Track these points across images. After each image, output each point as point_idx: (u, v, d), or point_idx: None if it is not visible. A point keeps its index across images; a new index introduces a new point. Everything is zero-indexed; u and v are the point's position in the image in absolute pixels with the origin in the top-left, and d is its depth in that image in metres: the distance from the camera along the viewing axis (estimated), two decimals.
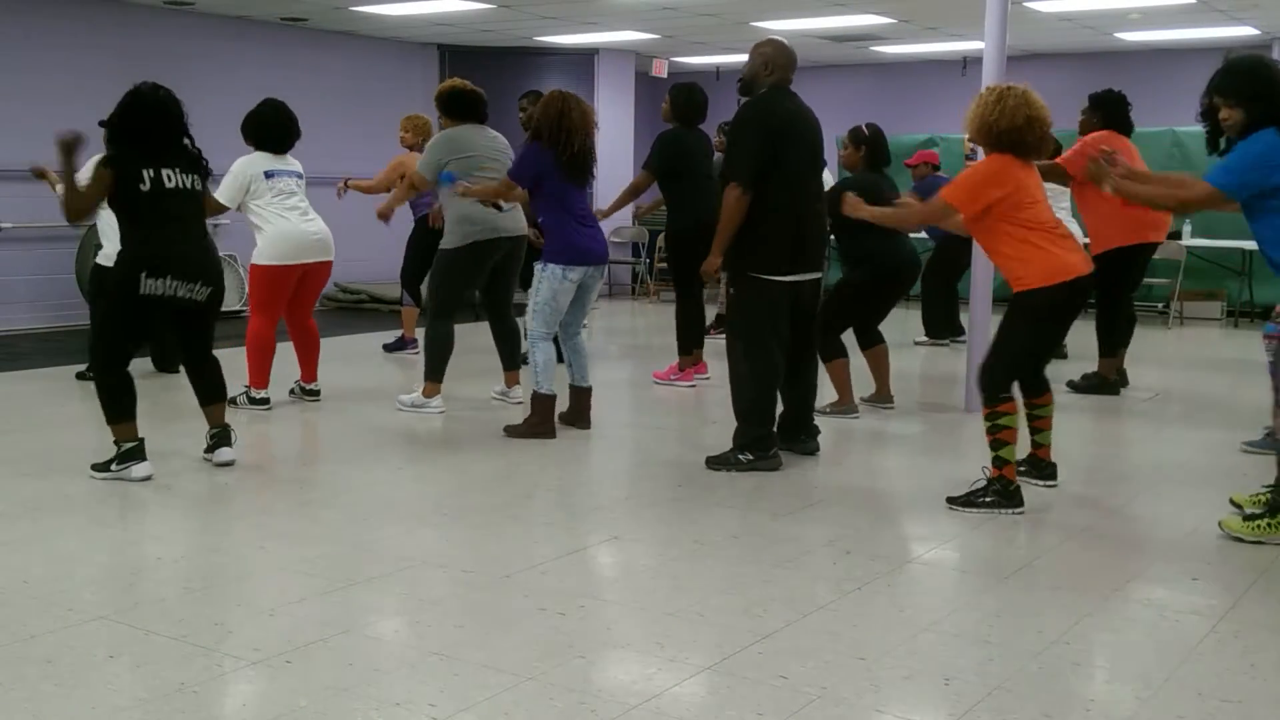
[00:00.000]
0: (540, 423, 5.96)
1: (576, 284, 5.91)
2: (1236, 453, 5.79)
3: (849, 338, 6.61)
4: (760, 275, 5.26)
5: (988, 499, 4.69)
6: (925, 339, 9.75)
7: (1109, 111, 7.48)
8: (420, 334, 8.68)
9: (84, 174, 7.14)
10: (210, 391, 5.33)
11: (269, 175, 6.49)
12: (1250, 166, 4.20)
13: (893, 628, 3.46)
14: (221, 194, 6.41)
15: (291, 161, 6.67)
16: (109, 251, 7.29)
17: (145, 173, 4.93)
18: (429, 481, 5.22)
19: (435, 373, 6.58)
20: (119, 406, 5.03)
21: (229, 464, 5.27)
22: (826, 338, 6.53)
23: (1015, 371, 4.75)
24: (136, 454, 5.02)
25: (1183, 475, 5.40)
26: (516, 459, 5.58)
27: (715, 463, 5.38)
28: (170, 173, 4.99)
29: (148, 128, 5.02)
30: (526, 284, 6.40)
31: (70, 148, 4.91)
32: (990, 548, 4.32)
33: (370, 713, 2.85)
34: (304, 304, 6.77)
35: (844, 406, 6.59)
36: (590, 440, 6.01)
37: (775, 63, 5.34)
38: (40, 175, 7.24)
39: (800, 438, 5.65)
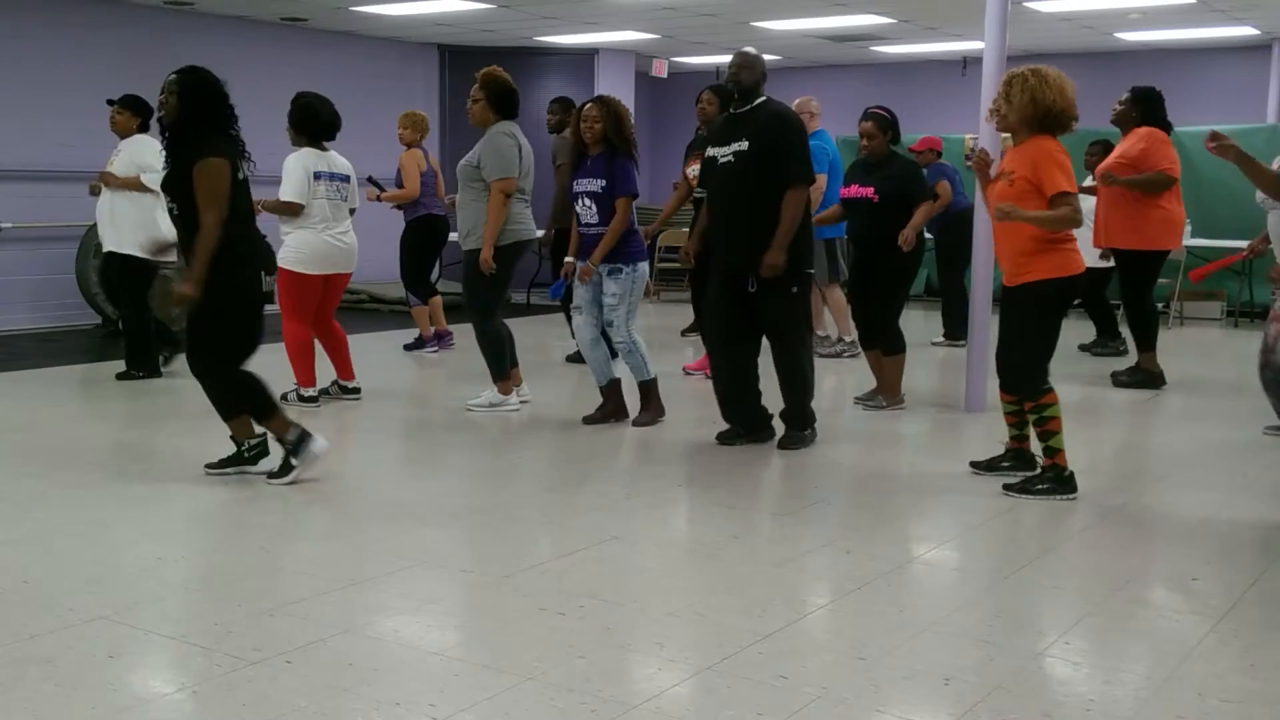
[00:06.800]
0: (653, 408, 6.33)
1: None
2: (1236, 453, 5.79)
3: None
4: (811, 271, 5.77)
5: (1043, 486, 4.85)
6: (943, 340, 9.66)
7: (1149, 108, 7.47)
8: (431, 330, 8.75)
9: (122, 164, 7.12)
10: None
11: (316, 177, 6.44)
12: None
13: (893, 628, 3.46)
14: (291, 194, 6.35)
15: (338, 161, 6.62)
16: (126, 239, 7.21)
17: (238, 162, 4.70)
18: (429, 481, 5.22)
19: (499, 371, 6.59)
20: (260, 401, 4.87)
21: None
22: (892, 329, 6.60)
23: (1043, 362, 4.85)
24: (305, 437, 4.88)
25: (1182, 475, 5.40)
26: (516, 459, 5.58)
27: (791, 443, 5.70)
28: (241, 162, 4.78)
29: (226, 114, 4.72)
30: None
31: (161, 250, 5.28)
32: (990, 548, 4.32)
33: (370, 713, 2.85)
34: (326, 309, 6.71)
35: (894, 399, 6.74)
36: (590, 440, 6.01)
37: (764, 72, 5.66)
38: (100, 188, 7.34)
39: (765, 430, 5.89)
